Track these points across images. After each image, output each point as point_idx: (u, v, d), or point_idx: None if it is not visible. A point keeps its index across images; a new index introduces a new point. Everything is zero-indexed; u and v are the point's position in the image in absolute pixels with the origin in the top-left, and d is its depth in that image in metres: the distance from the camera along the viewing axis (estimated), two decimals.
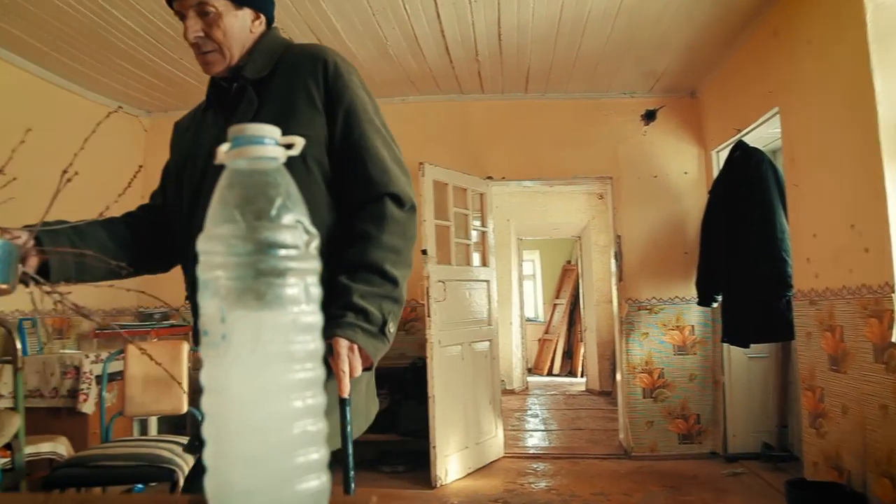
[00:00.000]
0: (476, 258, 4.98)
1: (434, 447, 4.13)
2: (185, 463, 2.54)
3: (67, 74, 4.25)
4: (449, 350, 4.36)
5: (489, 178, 4.98)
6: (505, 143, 5.05)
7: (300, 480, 0.58)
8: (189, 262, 1.36)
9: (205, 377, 0.59)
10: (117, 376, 3.52)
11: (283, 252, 0.58)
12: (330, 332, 1.29)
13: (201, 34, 1.36)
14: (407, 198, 1.39)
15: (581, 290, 8.58)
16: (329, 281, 1.46)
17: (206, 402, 0.59)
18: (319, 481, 0.60)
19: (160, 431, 4.37)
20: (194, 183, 1.39)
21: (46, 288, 0.99)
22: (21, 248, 1.13)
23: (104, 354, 3.70)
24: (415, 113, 5.09)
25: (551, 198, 8.06)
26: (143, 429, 4.30)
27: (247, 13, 1.41)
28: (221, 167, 1.26)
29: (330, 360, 1.28)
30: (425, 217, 4.24)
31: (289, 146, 0.63)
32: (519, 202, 8.16)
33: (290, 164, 1.37)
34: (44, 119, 4.10)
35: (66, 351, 4.01)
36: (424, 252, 4.19)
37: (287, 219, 0.58)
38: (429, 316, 4.19)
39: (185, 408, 2.95)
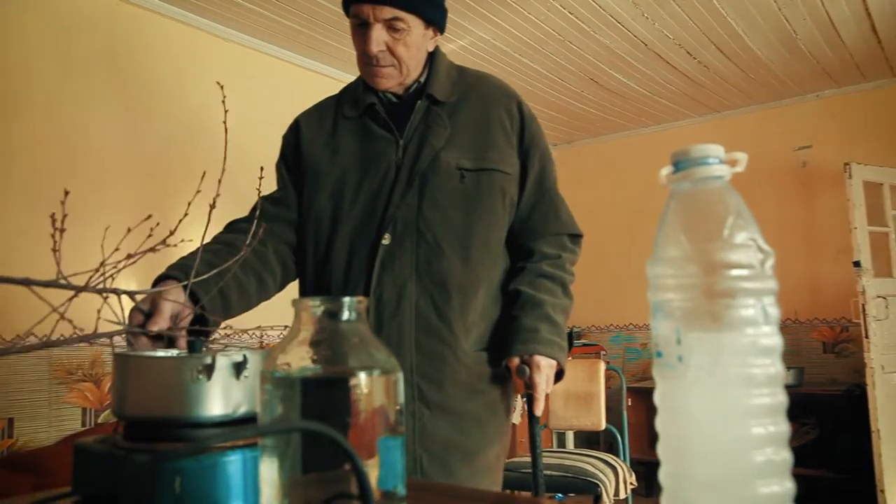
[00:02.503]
0: None
1: (882, 490, 3.53)
2: (608, 479, 2.63)
3: None
4: (894, 377, 3.71)
5: None
6: None
7: None
8: (335, 265, 1.32)
9: (659, 398, 0.60)
10: None
11: (737, 272, 0.56)
12: (530, 347, 1.26)
13: (384, 48, 1.29)
14: (581, 237, 1.47)
15: None
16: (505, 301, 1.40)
17: (661, 422, 0.60)
18: None
19: (575, 445, 4.60)
20: (372, 195, 1.31)
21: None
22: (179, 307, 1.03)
23: None
24: (830, 108, 4.51)
25: None
26: (560, 441, 4.58)
27: (430, 32, 1.36)
28: (410, 185, 1.29)
29: (527, 376, 1.24)
30: (856, 224, 3.70)
31: (733, 163, 0.61)
32: None
33: (490, 193, 1.33)
34: None
35: None
36: (857, 264, 3.65)
37: (740, 238, 0.56)
38: (866, 337, 3.62)
39: (603, 424, 3.06)
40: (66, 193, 0.71)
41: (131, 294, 0.76)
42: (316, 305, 0.57)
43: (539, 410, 1.27)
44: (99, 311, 0.77)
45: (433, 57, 1.40)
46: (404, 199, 1.29)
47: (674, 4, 3.25)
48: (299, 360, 0.57)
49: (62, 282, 0.67)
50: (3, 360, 2.46)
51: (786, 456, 0.58)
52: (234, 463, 0.65)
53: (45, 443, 2.55)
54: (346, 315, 0.58)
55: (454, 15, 3.26)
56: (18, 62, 2.53)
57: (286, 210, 1.40)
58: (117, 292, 0.71)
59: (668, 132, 5.08)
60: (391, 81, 1.33)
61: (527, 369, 1.24)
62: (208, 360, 0.68)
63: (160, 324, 0.96)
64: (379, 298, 1.27)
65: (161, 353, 0.82)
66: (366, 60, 1.31)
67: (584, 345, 4.87)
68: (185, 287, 1.00)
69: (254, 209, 1.35)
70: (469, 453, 1.28)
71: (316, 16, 3.03)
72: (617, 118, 4.94)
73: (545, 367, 1.26)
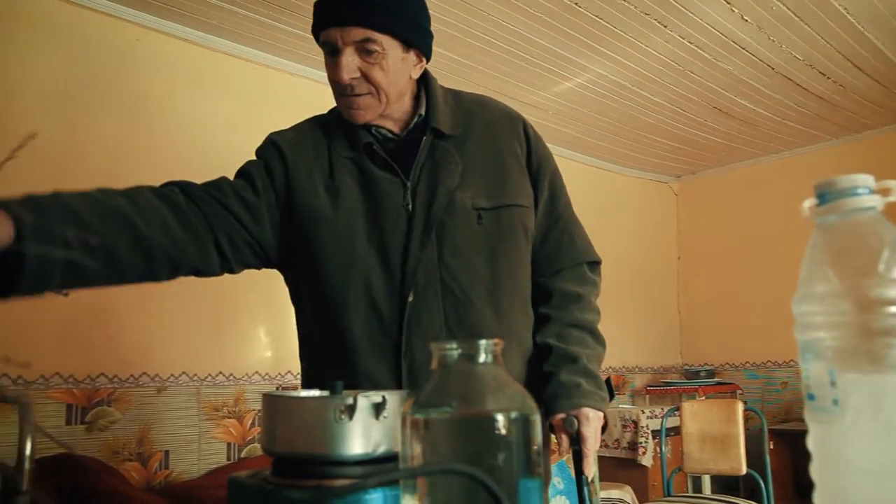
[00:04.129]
0: None
1: None
2: None
3: (605, 157, 4.80)
4: None
5: None
6: None
7: None
8: (354, 327, 1.16)
9: (813, 443, 0.57)
10: (671, 432, 3.67)
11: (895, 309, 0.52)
12: (576, 401, 1.18)
13: (357, 74, 1.14)
14: (599, 263, 1.38)
15: None
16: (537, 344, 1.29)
17: (816, 470, 0.57)
18: None
19: (712, 491, 4.34)
20: (386, 248, 1.17)
21: None
22: None
23: (657, 410, 3.90)
24: None
25: None
26: (696, 486, 4.34)
27: (412, 56, 1.20)
28: (428, 234, 1.17)
29: (575, 429, 1.15)
30: None
31: (885, 192, 0.58)
32: None
33: (512, 231, 1.23)
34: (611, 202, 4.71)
35: (623, 406, 4.37)
36: None
37: None
38: None
39: (744, 469, 2.87)
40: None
41: None
42: (453, 349, 0.59)
43: (590, 469, 1.15)
44: None
45: (427, 86, 1.26)
46: (424, 250, 1.17)
47: (803, 25, 3.10)
48: (438, 401, 0.59)
49: None
50: (162, 397, 2.69)
51: None
52: (375, 501, 0.68)
53: (195, 475, 2.73)
54: (482, 358, 0.59)
55: (569, 53, 3.28)
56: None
57: (254, 223, 1.18)
58: None
59: (802, 157, 4.80)
60: (370, 113, 1.18)
61: (575, 422, 1.15)
62: (350, 401, 0.71)
63: None
64: (411, 363, 1.14)
65: (304, 393, 0.87)
66: (339, 90, 1.17)
67: (718, 383, 4.62)
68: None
69: (213, 184, 1.18)
70: None
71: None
72: (744, 146, 4.73)
73: (593, 419, 1.18)
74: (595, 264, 1.38)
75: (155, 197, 1.09)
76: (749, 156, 4.96)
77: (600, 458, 3.78)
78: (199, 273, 1.16)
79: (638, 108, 3.98)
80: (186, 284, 2.64)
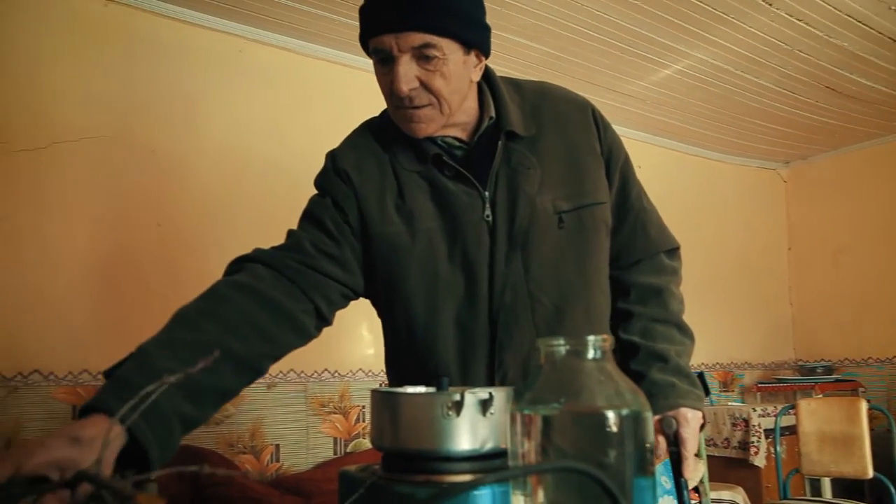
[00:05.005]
0: None
1: None
2: None
3: (707, 145, 4.62)
4: None
5: None
6: None
7: None
8: (442, 350, 1.11)
9: None
10: (785, 431, 3.48)
11: None
12: (673, 402, 1.11)
13: (416, 84, 1.03)
14: (678, 249, 1.30)
15: None
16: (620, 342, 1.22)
17: None
18: None
19: (834, 495, 4.09)
20: (469, 266, 1.11)
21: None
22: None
23: (770, 408, 3.72)
24: None
25: None
26: (815, 489, 4.10)
27: (472, 57, 1.09)
28: (513, 247, 1.10)
29: (674, 430, 1.08)
30: None
31: None
32: None
33: (594, 230, 1.16)
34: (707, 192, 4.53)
35: (733, 403, 4.19)
36: None
37: None
38: None
39: (870, 472, 2.69)
40: None
41: None
42: (560, 345, 0.59)
43: (689, 471, 1.08)
44: None
45: (491, 84, 1.18)
46: (510, 265, 1.11)
47: None
48: (546, 398, 0.59)
49: None
50: (272, 393, 2.81)
51: None
52: (483, 497, 0.68)
53: (304, 468, 2.83)
54: (590, 354, 0.58)
55: (667, 39, 3.16)
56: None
57: (345, 273, 1.13)
58: None
59: None
60: (432, 125, 1.08)
61: (674, 423, 1.07)
62: (457, 397, 0.72)
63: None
64: (503, 380, 1.10)
65: (411, 389, 0.89)
66: (396, 103, 1.06)
67: (837, 380, 4.34)
68: (121, 421, 0.70)
69: (293, 246, 1.11)
70: None
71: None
72: (860, 126, 4.42)
73: (692, 419, 1.10)
74: (673, 251, 1.29)
75: (238, 295, 1.01)
76: (866, 137, 4.63)
77: (709, 458, 3.66)
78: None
79: (742, 92, 3.80)
80: None
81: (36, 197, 2.41)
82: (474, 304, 1.11)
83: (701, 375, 1.22)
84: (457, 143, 1.16)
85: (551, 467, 0.51)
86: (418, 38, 1.00)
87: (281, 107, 3.00)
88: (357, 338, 3.01)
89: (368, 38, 1.05)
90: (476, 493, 0.67)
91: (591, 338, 0.58)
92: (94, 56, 2.58)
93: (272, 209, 2.89)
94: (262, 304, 1.01)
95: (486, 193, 1.12)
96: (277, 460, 2.79)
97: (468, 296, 1.11)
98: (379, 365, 3.25)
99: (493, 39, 1.14)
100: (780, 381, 4.52)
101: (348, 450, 2.97)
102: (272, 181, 2.90)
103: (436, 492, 0.65)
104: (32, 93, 2.44)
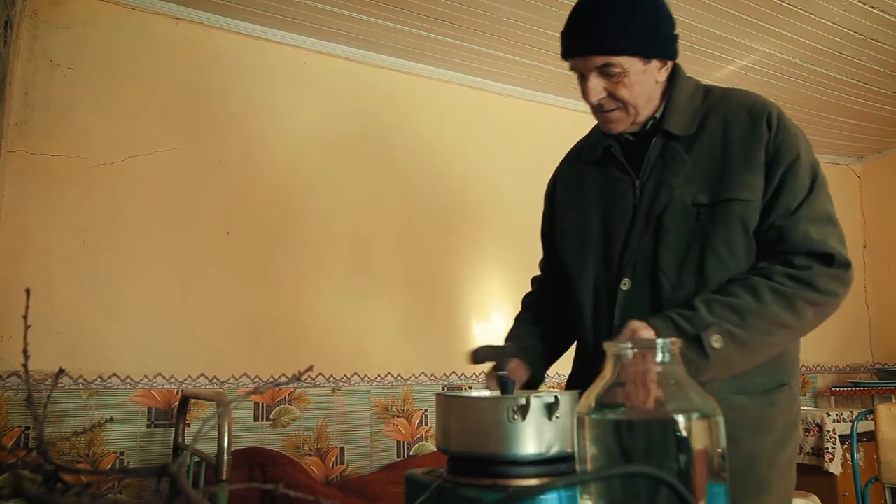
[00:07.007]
0: None
1: None
2: None
3: None
4: None
5: None
6: None
7: None
8: (584, 310, 1.34)
9: None
10: (863, 437, 3.33)
11: None
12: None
13: (604, 94, 1.25)
14: (841, 270, 1.19)
15: None
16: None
17: None
18: None
19: None
20: (610, 239, 1.31)
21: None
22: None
23: (845, 413, 3.57)
24: None
25: None
26: None
27: (654, 64, 1.25)
28: (647, 228, 1.23)
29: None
30: None
31: None
32: None
33: (727, 225, 1.20)
34: None
35: (806, 408, 4.03)
36: None
37: None
38: None
39: None
40: None
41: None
42: (628, 348, 0.58)
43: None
44: None
45: (672, 85, 1.32)
46: (641, 241, 1.27)
47: None
48: (613, 402, 0.58)
49: None
50: (337, 397, 2.86)
51: None
52: (551, 502, 0.68)
53: (368, 471, 2.87)
54: (659, 357, 0.58)
55: (731, 34, 3.08)
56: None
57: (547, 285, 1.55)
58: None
59: None
60: (622, 124, 1.30)
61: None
62: (523, 401, 0.72)
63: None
64: None
65: (477, 393, 0.89)
66: (593, 108, 1.30)
67: None
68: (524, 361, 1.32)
69: (544, 279, 1.60)
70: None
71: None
72: None
73: (640, 327, 1.09)
74: (817, 255, 1.20)
75: (541, 324, 1.49)
76: None
77: None
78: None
79: (812, 86, 3.66)
80: (355, 298, 2.77)
81: (113, 208, 2.53)
82: (608, 272, 1.29)
83: (698, 337, 1.10)
84: (631, 138, 1.34)
85: (623, 472, 0.50)
86: (599, 59, 1.21)
87: (344, 116, 3.05)
88: (419, 342, 3.04)
89: (566, 59, 1.27)
90: (544, 497, 0.67)
91: (660, 341, 0.58)
92: (166, 72, 2.70)
93: (336, 217, 2.95)
94: (549, 323, 1.51)
95: (638, 182, 1.30)
96: (342, 463, 2.83)
97: (605, 264, 1.30)
98: (441, 369, 3.31)
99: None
100: (855, 384, 4.33)
101: (411, 453, 3.00)
102: (335, 189, 2.96)
103: (504, 496, 0.65)
104: (109, 110, 2.57)
